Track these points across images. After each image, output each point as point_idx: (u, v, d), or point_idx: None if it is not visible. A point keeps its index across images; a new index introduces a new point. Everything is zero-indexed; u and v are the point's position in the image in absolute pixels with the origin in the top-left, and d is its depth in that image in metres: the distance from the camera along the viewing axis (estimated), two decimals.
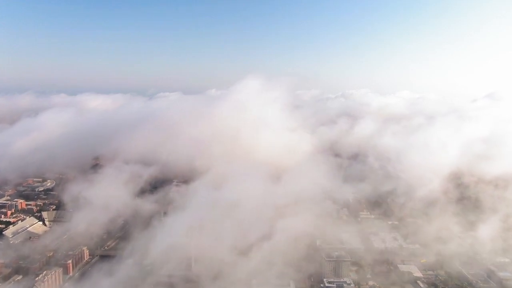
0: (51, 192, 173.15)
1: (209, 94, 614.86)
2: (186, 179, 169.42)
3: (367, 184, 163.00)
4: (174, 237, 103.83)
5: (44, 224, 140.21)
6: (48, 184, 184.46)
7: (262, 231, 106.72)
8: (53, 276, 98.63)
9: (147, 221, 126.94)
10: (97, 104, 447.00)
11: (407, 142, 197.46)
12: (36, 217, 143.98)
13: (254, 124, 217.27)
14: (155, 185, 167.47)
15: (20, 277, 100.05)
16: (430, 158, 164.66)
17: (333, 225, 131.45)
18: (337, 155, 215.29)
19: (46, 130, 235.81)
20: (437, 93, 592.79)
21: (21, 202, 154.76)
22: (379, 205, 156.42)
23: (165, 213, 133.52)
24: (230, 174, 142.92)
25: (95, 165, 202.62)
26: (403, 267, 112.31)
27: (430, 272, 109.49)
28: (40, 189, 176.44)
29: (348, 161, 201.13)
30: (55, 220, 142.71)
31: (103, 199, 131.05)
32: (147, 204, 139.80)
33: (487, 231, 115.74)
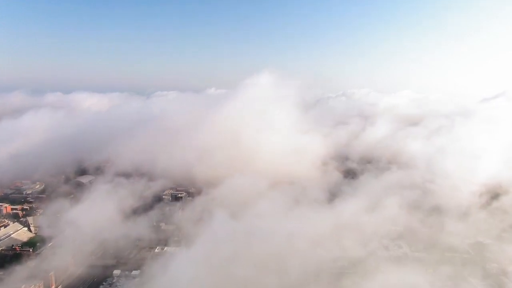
0: (40, 195, 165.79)
1: (208, 93, 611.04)
2: (191, 195, 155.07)
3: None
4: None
5: (29, 230, 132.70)
6: (37, 186, 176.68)
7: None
8: None
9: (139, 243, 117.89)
10: (91, 103, 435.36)
11: (436, 147, 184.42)
12: (21, 222, 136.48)
13: (267, 128, 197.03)
14: (153, 201, 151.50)
15: None
16: (465, 165, 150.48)
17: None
18: (357, 162, 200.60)
19: (24, 134, 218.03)
20: (438, 92, 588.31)
21: (6, 206, 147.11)
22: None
23: (165, 244, 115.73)
24: (247, 188, 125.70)
25: (81, 175, 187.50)
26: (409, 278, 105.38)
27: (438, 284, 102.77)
28: (28, 192, 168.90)
29: (372, 169, 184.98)
30: (41, 226, 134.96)
31: (88, 219, 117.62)
32: (140, 226, 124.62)
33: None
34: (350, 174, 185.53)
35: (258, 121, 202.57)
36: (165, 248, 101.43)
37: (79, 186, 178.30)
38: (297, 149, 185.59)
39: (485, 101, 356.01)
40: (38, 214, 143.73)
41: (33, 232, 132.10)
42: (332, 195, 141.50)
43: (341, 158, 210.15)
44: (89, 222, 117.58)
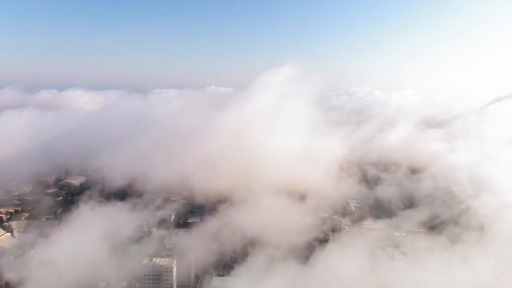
0: (27, 198, 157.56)
1: (209, 91, 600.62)
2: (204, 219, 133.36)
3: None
4: None
5: (12, 236, 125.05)
6: (24, 187, 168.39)
7: None
8: None
9: None
10: (85, 101, 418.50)
11: (469, 153, 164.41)
12: (4, 227, 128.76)
13: (281, 132, 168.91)
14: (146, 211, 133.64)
15: None
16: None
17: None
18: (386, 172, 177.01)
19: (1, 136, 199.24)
20: (439, 91, 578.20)
21: None
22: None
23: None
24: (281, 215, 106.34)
25: (59, 191, 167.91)
26: None
27: None
28: (14, 194, 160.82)
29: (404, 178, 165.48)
30: (25, 231, 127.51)
31: (74, 228, 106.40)
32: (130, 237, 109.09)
33: None
34: (373, 184, 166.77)
35: (270, 124, 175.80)
36: (154, 259, 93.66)
37: (69, 187, 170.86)
38: (318, 155, 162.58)
39: (500, 100, 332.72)
40: (23, 219, 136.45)
41: (17, 238, 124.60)
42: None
43: (363, 165, 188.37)
44: (75, 231, 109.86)
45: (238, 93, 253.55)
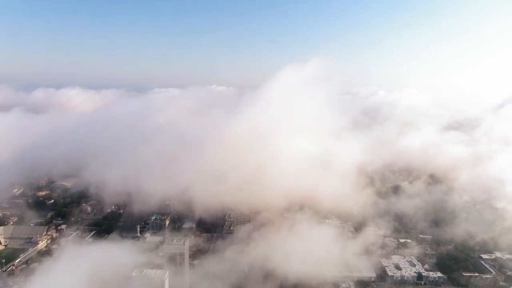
0: (16, 201, 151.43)
1: (210, 90, 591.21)
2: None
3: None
4: None
5: None
6: (15, 190, 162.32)
7: None
8: None
9: None
10: (80, 101, 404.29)
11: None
12: None
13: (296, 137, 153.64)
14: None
15: None
16: None
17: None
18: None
19: None
20: (439, 91, 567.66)
21: None
22: None
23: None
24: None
25: (51, 193, 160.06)
26: None
27: None
28: (3, 197, 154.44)
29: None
30: (12, 237, 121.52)
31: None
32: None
33: None
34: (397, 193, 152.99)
35: (282, 129, 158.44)
36: (145, 271, 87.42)
37: (62, 189, 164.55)
38: (335, 163, 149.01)
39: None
40: (11, 223, 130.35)
41: (3, 244, 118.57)
42: None
43: (385, 172, 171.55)
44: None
45: (247, 94, 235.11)
